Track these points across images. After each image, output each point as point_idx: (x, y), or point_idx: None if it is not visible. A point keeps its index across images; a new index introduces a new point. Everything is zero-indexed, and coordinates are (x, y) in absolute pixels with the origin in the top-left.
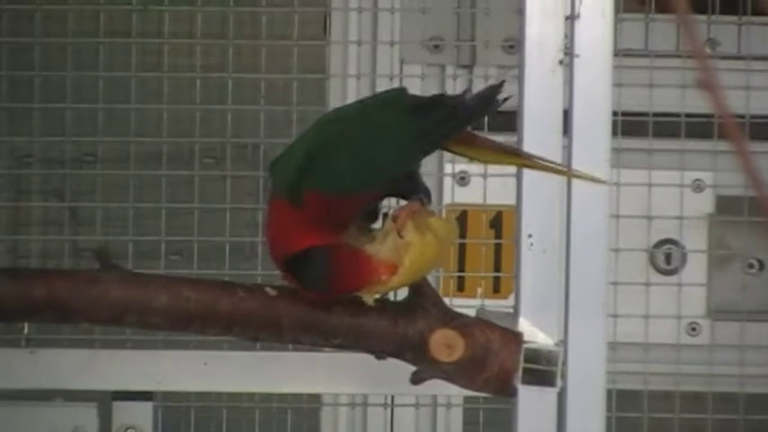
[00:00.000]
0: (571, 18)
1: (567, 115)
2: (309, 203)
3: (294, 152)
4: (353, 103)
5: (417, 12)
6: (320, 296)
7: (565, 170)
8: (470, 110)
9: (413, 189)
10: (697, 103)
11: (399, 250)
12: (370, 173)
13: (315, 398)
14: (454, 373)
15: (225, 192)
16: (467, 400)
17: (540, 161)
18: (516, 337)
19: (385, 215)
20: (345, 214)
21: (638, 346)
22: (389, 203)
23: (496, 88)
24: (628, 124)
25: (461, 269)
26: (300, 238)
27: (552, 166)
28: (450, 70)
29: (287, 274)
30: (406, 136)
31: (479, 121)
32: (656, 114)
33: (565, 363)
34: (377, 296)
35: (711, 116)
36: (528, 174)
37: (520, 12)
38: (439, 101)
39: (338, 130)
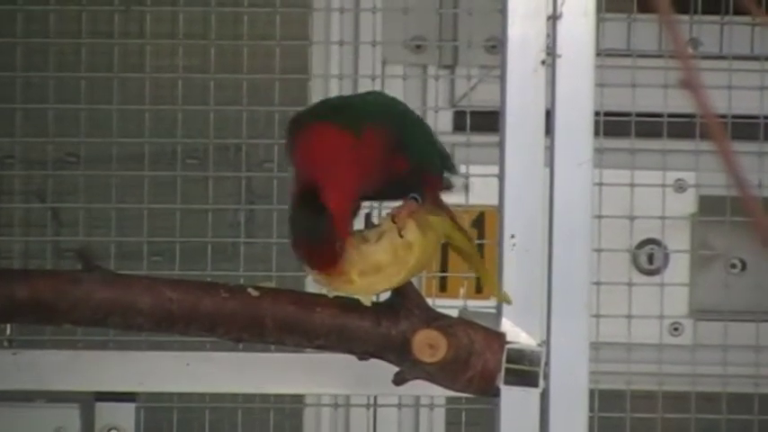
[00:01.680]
0: (553, 18)
1: (549, 115)
2: (368, 136)
3: (339, 106)
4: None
5: (399, 12)
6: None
7: (488, 276)
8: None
9: (415, 187)
10: (679, 102)
11: (397, 250)
12: (414, 138)
13: (298, 398)
14: (437, 373)
15: (207, 192)
16: (449, 400)
17: (478, 258)
18: (499, 338)
19: (368, 216)
20: (383, 172)
21: (620, 346)
22: (371, 204)
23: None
24: (610, 124)
25: (444, 269)
26: (338, 187)
27: (482, 268)
28: (432, 70)
29: (296, 193)
30: (434, 141)
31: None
32: (638, 114)
33: (547, 363)
34: (374, 298)
35: (694, 116)
36: (510, 174)
37: (502, 12)
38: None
39: (389, 99)
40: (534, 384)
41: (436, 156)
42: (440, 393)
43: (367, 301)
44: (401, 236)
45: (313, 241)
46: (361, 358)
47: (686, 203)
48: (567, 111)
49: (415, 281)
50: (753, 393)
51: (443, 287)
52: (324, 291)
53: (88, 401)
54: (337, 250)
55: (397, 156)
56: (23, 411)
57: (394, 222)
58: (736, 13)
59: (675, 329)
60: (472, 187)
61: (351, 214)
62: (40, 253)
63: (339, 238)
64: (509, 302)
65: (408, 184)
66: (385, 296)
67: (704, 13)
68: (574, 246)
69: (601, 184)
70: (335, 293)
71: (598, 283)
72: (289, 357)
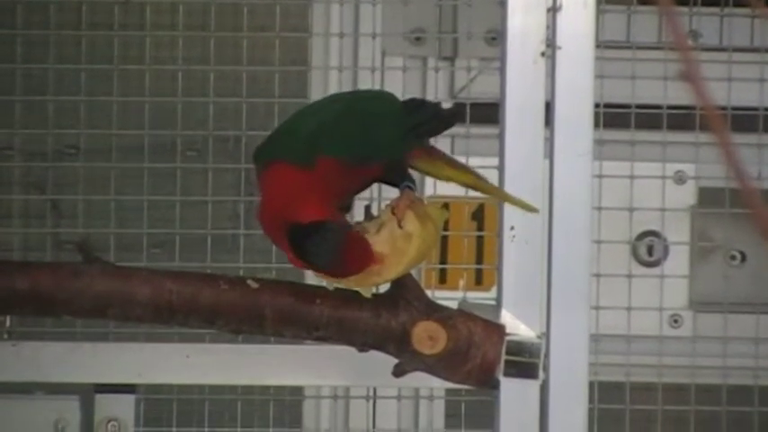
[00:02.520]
0: (553, 9)
1: (549, 107)
2: (321, 168)
3: (293, 130)
4: (337, 93)
5: (399, 3)
6: (317, 270)
7: (508, 196)
8: (448, 116)
9: (401, 177)
10: (679, 94)
11: (396, 241)
12: (376, 146)
13: (297, 390)
14: (437, 365)
15: (207, 184)
16: (449, 392)
17: (488, 184)
18: (499, 330)
19: (367, 207)
20: (351, 185)
21: (620, 337)
22: (370, 195)
23: (460, 110)
24: (610, 116)
25: (443, 261)
26: (308, 207)
27: (498, 191)
28: (431, 62)
29: (283, 243)
30: (400, 123)
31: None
32: (638, 106)
33: (547, 355)
34: (374, 290)
35: (694, 108)
36: (510, 166)
37: (502, 3)
38: (421, 103)
39: (341, 108)
40: (534, 376)
41: (413, 135)
42: (439, 385)
43: (367, 292)
44: (401, 227)
45: (337, 252)
46: (360, 350)
47: (686, 195)
48: (566, 102)
49: (414, 272)
50: (752, 385)
51: (443, 279)
52: (324, 283)
53: (88, 393)
54: (367, 243)
55: (361, 167)
56: (23, 403)
57: (393, 214)
58: (736, 5)
59: (675, 321)
60: None
61: (339, 216)
62: (40, 245)
63: (352, 230)
64: (535, 211)
65: (395, 174)
66: (384, 288)
67: (704, 4)
68: (573, 237)
69: (600, 176)
70: (335, 285)
71: (598, 275)
72: (288, 349)
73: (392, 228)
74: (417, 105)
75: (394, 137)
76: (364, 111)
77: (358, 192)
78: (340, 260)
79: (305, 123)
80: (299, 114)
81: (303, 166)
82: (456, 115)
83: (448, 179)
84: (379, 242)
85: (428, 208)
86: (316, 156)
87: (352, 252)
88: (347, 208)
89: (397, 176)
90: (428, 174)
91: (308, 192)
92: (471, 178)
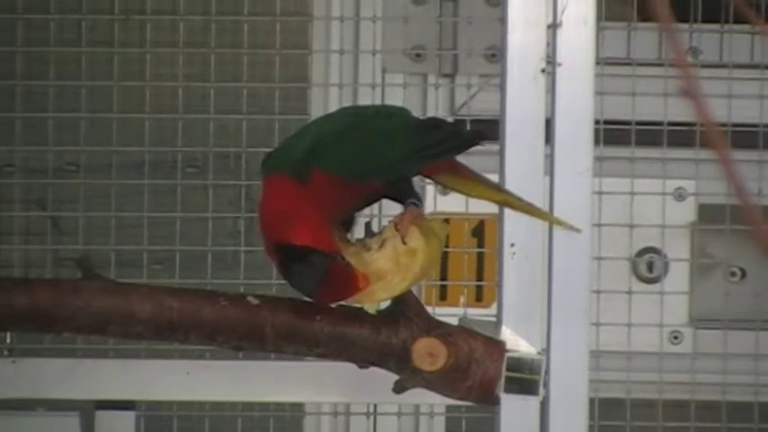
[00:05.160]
0: (553, 26)
1: (549, 124)
2: (315, 182)
3: (299, 140)
4: (355, 106)
5: (399, 21)
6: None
7: (545, 214)
8: (467, 139)
9: (406, 193)
10: (679, 111)
11: (400, 257)
12: (374, 165)
13: (297, 406)
14: (437, 381)
15: (207, 201)
16: (449, 408)
17: (522, 202)
18: (499, 346)
19: (367, 224)
20: (345, 202)
21: (620, 354)
22: (371, 212)
23: (482, 132)
24: (610, 132)
25: (444, 278)
26: (300, 227)
27: (533, 208)
28: (432, 79)
29: (273, 256)
30: (408, 144)
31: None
32: (638, 123)
33: (547, 371)
34: (377, 306)
35: (694, 124)
36: (510, 182)
37: (502, 20)
38: (440, 124)
39: (348, 122)
40: (534, 393)
41: (418, 153)
42: (440, 401)
43: (372, 309)
44: (404, 243)
45: (324, 280)
46: (360, 366)
47: (686, 212)
48: (566, 119)
49: (414, 289)
50: (752, 402)
51: (443, 296)
52: None
53: (88, 410)
54: (351, 273)
55: (357, 184)
56: (23, 420)
57: (396, 230)
58: (736, 21)
59: (675, 338)
60: None
61: (330, 237)
62: (40, 261)
63: (340, 259)
64: (578, 230)
65: (399, 191)
66: (384, 304)
67: (704, 21)
68: (573, 254)
69: (600, 193)
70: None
71: (598, 292)
72: (288, 365)
73: (395, 244)
74: (434, 126)
75: (398, 157)
76: (371, 128)
77: (360, 208)
78: (321, 291)
79: (308, 135)
80: (309, 125)
81: (298, 180)
82: (476, 137)
83: (479, 197)
84: (381, 258)
85: (432, 223)
86: (310, 169)
87: (333, 284)
88: (349, 224)
89: (401, 193)
90: (456, 190)
91: (301, 208)
92: (503, 196)
